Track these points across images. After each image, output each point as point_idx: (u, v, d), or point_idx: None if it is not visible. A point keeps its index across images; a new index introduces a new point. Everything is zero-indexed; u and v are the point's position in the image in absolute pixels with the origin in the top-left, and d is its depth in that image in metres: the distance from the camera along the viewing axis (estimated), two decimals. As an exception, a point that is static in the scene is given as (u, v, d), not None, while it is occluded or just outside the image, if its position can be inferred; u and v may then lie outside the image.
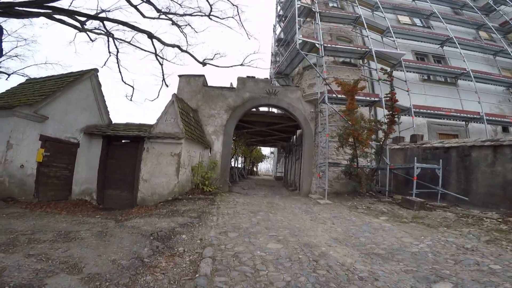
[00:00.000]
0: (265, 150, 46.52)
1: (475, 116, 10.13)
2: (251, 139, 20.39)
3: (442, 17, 12.02)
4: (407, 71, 10.42)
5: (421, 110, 9.89)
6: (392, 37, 10.98)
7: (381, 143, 7.13)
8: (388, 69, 7.93)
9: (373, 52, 9.85)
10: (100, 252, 3.25)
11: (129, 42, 10.30)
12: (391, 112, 7.05)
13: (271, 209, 6.56)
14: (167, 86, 11.60)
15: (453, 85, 11.66)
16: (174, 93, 8.57)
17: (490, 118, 10.08)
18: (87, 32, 9.18)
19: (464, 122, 10.84)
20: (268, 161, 55.19)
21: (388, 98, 7.03)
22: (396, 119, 7.22)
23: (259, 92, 10.92)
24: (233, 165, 19.66)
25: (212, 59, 12.51)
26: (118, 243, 3.61)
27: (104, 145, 8.63)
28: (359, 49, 10.23)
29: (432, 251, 3.62)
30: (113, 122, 9.35)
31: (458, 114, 10.18)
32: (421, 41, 12.05)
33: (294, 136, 17.13)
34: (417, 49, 12.18)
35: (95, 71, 8.64)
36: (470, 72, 10.62)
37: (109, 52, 10.29)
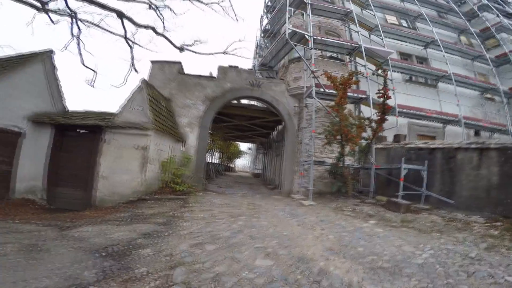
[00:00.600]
0: (243, 146, 45.80)
1: (453, 119, 10.43)
2: (229, 133, 19.57)
3: (428, 19, 12.22)
4: (392, 71, 10.38)
5: (405, 110, 9.91)
6: (381, 35, 10.87)
7: (370, 141, 6.84)
8: (378, 66, 7.67)
9: (362, 48, 9.60)
10: (22, 277, 2.35)
11: (96, 24, 9.02)
12: (382, 109, 6.77)
13: (253, 211, 5.93)
14: (136, 71, 10.35)
15: (433, 87, 11.97)
16: (143, 78, 7.51)
17: (467, 121, 10.45)
18: (48, 13, 7.88)
19: (442, 124, 11.16)
20: (245, 157, 54.65)
21: (380, 94, 6.74)
22: (387, 117, 6.97)
23: (242, 83, 10.18)
24: (209, 160, 18.72)
25: (191, 45, 11.50)
26: (54, 263, 2.72)
27: (55, 135, 7.38)
28: (349, 44, 9.94)
29: (438, 261, 3.25)
30: (69, 110, 8.08)
31: (439, 116, 10.41)
32: (407, 42, 12.19)
33: (274, 132, 16.66)
34: (402, 49, 12.28)
35: (49, 53, 7.44)
36: (452, 74, 10.90)
37: (72, 35, 8.86)
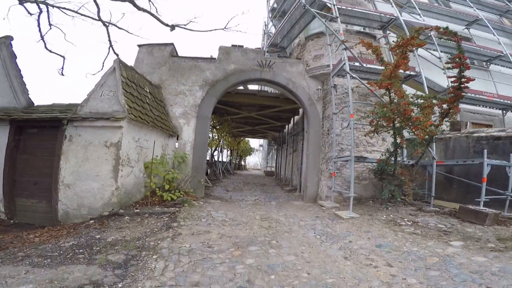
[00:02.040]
0: (253, 143, 44.15)
1: (515, 104, 8.28)
2: (238, 128, 17.79)
3: (468, -2, 10.21)
4: (434, 50, 8.30)
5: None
6: (415, 11, 9.00)
7: (438, 127, 4.79)
8: (444, 29, 5.50)
9: (401, 20, 7.53)
10: None
11: (74, 11, 7.64)
12: (458, 82, 4.69)
13: (270, 233, 4.10)
14: (116, 54, 8.75)
15: (483, 69, 10.17)
16: (117, 58, 5.83)
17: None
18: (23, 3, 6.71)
19: (500, 111, 9.02)
20: (256, 154, 52.93)
21: (458, 63, 4.62)
22: (464, 93, 4.88)
23: (248, 64, 8.35)
24: (216, 159, 17.10)
25: (185, 25, 9.78)
26: None
27: (12, 134, 5.88)
28: (384, 15, 7.83)
29: None
30: (34, 104, 6.67)
31: (500, 100, 8.22)
32: (445, 20, 10.11)
33: (289, 125, 14.71)
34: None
35: (6, 39, 6.18)
36: (509, 55, 8.82)
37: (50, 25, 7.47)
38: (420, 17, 9.01)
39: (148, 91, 6.62)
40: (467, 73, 4.99)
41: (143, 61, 8.02)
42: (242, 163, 39.26)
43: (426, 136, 4.65)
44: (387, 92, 5.54)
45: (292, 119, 12.38)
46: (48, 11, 8.14)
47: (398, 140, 5.30)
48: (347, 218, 5.04)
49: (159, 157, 6.46)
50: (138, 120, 5.45)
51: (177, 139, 7.19)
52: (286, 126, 16.34)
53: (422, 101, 4.75)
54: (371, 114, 5.30)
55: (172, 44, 8.33)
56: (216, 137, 14.45)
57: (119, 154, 4.91)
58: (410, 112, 4.54)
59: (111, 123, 4.93)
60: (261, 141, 49.87)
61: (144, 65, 7.89)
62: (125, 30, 9.11)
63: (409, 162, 6.11)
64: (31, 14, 7.98)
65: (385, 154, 5.61)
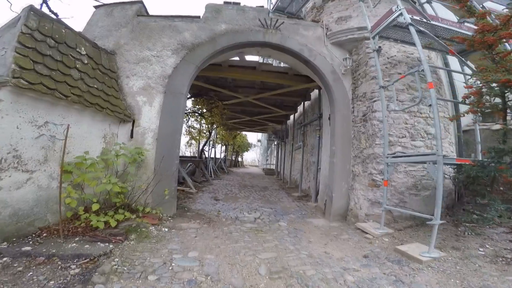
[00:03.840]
0: (251, 138, 41.91)
1: None
2: (233, 119, 15.36)
3: None
4: None
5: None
6: None
7: None
8: None
9: None
10: None
11: None
12: None
13: None
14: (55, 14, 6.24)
15: None
16: (30, 5, 3.44)
17: None
18: None
19: None
20: (254, 150, 50.64)
21: None
22: None
23: (247, 25, 6.01)
24: (206, 155, 14.73)
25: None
26: None
27: None
28: None
29: None
30: None
31: None
32: None
33: (295, 114, 12.32)
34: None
35: None
36: None
37: None
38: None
39: (85, 53, 4.18)
40: None
41: (96, 23, 5.59)
42: (239, 159, 37.02)
43: None
44: (488, 52, 3.25)
45: (302, 104, 9.96)
46: None
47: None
48: (427, 260, 2.82)
49: (100, 154, 4.07)
50: (40, 90, 3.03)
51: (133, 127, 4.76)
52: (291, 116, 13.96)
53: None
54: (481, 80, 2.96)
55: (140, 2, 5.88)
56: (205, 127, 11.96)
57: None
58: None
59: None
60: (259, 135, 47.54)
61: (97, 28, 5.48)
62: None
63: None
64: None
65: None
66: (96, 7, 6.00)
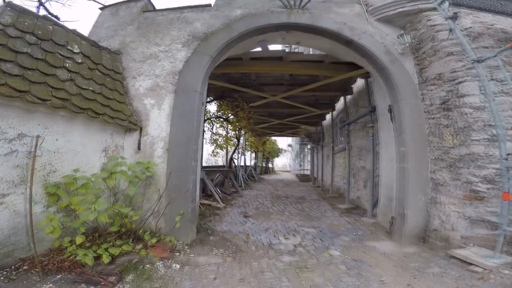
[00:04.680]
0: (281, 142, 40.78)
1: None
2: (261, 123, 14.41)
3: None
4: None
5: None
6: None
7: None
8: None
9: None
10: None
11: None
12: None
13: None
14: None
15: None
16: (6, 2, 2.83)
17: None
18: None
19: None
20: (284, 155, 49.13)
21: None
22: None
23: (265, 7, 5.06)
24: (236, 163, 13.95)
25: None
26: None
27: None
28: None
29: None
30: None
31: None
32: None
33: (333, 112, 10.96)
34: None
35: None
36: None
37: None
38: None
39: (78, 51, 3.53)
40: None
41: (103, 24, 5.09)
42: (270, 165, 36.00)
43: None
44: None
45: (343, 99, 8.59)
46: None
47: None
48: None
49: (99, 172, 3.34)
50: (3, 93, 2.35)
51: (140, 135, 3.98)
52: (327, 116, 12.58)
53: None
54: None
55: (147, -2, 5.29)
56: (232, 134, 11.14)
57: None
58: None
59: None
60: (290, 140, 45.98)
61: (102, 30, 4.97)
62: None
63: None
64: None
65: None
66: (101, 8, 5.57)
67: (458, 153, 3.36)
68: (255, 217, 6.04)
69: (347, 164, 7.53)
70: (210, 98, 8.27)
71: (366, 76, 6.43)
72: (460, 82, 3.47)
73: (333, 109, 10.51)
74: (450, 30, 3.54)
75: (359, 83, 7.84)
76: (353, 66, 6.46)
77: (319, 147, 14.63)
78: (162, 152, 3.92)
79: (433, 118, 3.93)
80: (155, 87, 4.23)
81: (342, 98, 8.55)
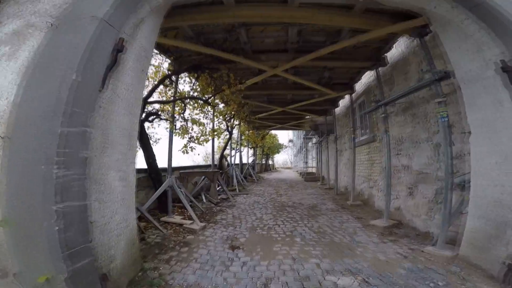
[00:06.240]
0: (281, 138, 38.75)
1: None
2: (258, 113, 12.18)
3: None
4: None
5: None
6: None
7: None
8: None
9: None
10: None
11: None
12: None
13: None
14: None
15: None
16: None
17: None
18: None
19: None
20: (285, 151, 46.98)
21: None
22: None
23: None
24: (229, 161, 11.85)
25: None
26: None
27: None
28: None
29: None
30: None
31: None
32: None
33: (352, 95, 8.80)
34: None
35: None
36: None
37: None
38: None
39: None
40: None
41: None
42: (270, 162, 33.92)
43: None
44: None
45: (375, 73, 6.40)
46: None
47: None
48: None
49: None
50: None
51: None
52: (341, 102, 10.43)
53: None
54: None
55: None
56: (220, 124, 8.79)
57: None
58: None
59: None
60: (291, 135, 43.64)
61: None
62: None
63: None
64: None
65: None
66: None
67: None
68: (248, 249, 3.88)
69: (385, 161, 5.34)
70: (184, 67, 5.92)
71: (418, 32, 4.22)
72: None
73: (352, 90, 8.30)
74: None
75: (395, 51, 5.67)
76: (396, 18, 4.32)
77: (330, 141, 12.46)
78: None
79: None
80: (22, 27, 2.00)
81: (374, 71, 6.34)
